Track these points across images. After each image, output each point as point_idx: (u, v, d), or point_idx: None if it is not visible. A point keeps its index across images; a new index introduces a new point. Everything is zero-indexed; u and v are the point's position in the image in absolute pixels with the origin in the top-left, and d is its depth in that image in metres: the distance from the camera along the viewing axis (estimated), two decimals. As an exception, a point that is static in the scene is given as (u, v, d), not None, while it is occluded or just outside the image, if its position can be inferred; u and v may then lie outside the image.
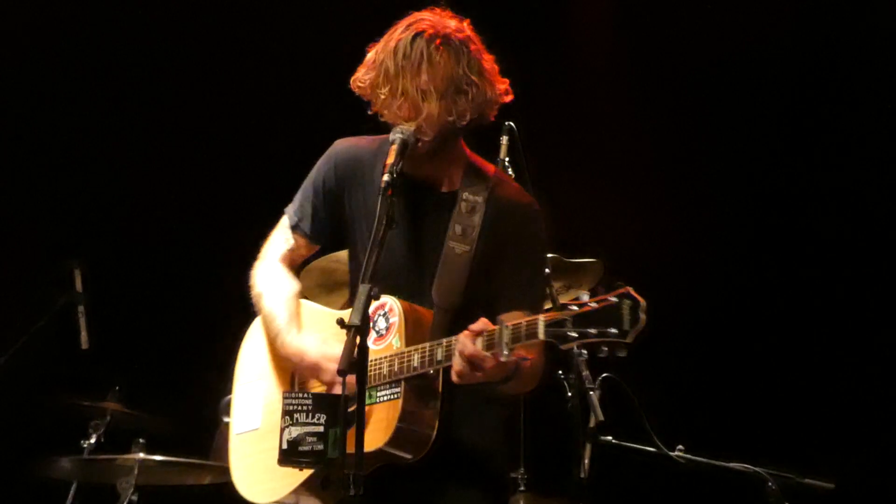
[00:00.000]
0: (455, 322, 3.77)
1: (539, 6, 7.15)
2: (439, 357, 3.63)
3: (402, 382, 3.68)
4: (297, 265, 4.08)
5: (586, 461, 4.97)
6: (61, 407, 5.92)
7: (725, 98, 6.92)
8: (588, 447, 5.00)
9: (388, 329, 3.75)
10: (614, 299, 3.39)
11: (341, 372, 3.35)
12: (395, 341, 3.73)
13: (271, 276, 4.02)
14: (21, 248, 6.94)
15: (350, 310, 3.84)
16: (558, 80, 7.04)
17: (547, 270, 4.93)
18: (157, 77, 7.07)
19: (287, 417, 3.51)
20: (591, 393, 4.91)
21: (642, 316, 3.37)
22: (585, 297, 3.44)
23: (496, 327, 3.53)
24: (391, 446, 3.65)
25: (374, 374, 3.68)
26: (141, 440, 5.63)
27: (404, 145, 3.70)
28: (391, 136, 3.73)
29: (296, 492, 3.80)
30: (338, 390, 3.64)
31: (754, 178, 6.94)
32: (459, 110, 3.80)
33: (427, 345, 3.67)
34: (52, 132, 7.04)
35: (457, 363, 3.56)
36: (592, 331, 3.40)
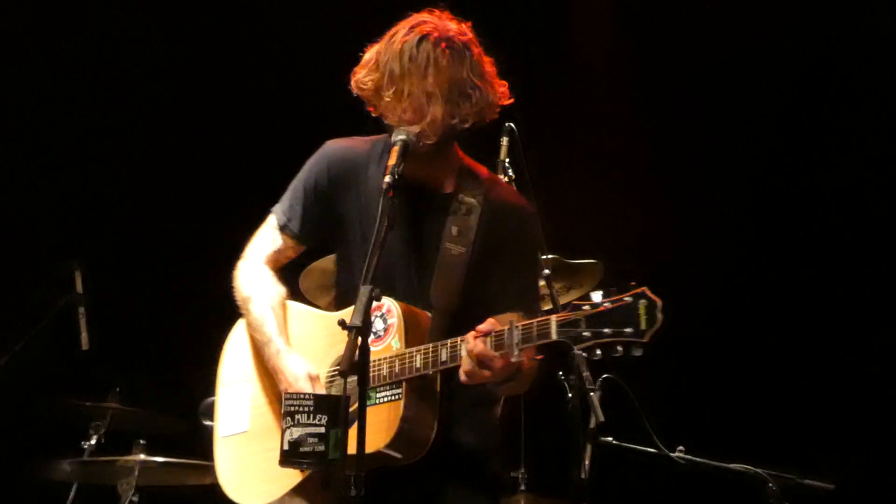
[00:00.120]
0: (452, 324, 3.78)
1: (539, 6, 7.15)
2: (444, 358, 3.64)
3: (404, 383, 3.68)
4: (282, 266, 4.06)
5: (587, 462, 4.96)
6: (62, 408, 5.92)
7: (725, 98, 6.93)
8: (588, 448, 5.00)
9: (386, 330, 3.75)
10: (629, 299, 3.40)
11: (343, 373, 3.35)
12: (394, 342, 3.73)
13: (258, 279, 3.99)
14: (21, 248, 6.94)
15: (338, 311, 3.88)
16: (558, 80, 7.04)
17: (547, 271, 4.94)
18: (157, 78, 7.07)
19: (288, 418, 3.51)
20: (592, 394, 4.90)
21: (660, 316, 3.38)
22: (597, 298, 3.45)
23: (505, 328, 3.54)
24: (392, 447, 3.65)
25: (374, 376, 3.68)
26: (141, 441, 5.63)
27: (406, 147, 3.70)
28: (393, 138, 3.73)
29: (289, 495, 3.80)
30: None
31: (754, 179, 6.94)
32: (463, 113, 3.82)
33: (430, 345, 3.67)
34: (52, 133, 7.04)
35: (466, 363, 3.58)
36: (607, 330, 3.41)
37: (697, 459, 5.06)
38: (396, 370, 3.69)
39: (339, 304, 3.99)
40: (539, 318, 3.53)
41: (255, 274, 4.00)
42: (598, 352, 3.44)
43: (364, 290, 3.40)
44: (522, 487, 5.34)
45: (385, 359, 3.71)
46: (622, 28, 7.16)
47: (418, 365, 3.67)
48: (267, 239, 4.04)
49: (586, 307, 3.45)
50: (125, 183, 7.10)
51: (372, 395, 3.68)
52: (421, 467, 3.72)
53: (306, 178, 4.01)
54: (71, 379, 6.23)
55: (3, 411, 6.45)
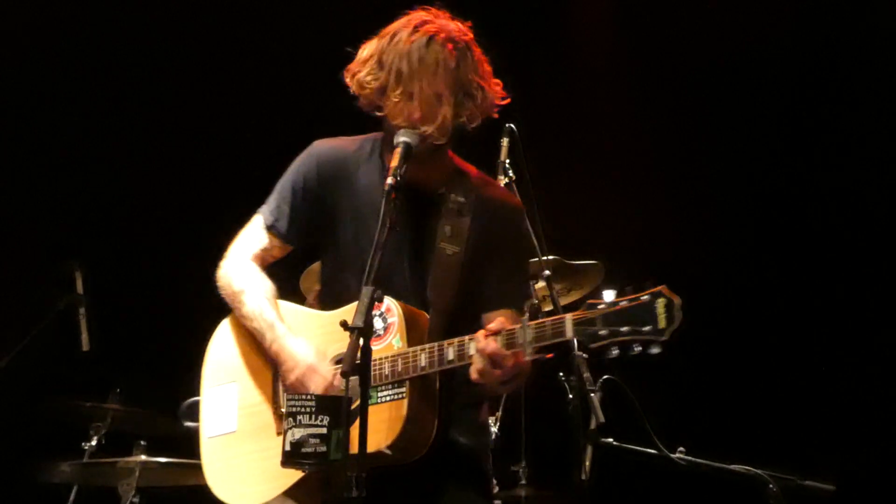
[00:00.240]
0: (450, 323, 3.80)
1: (539, 6, 7.16)
2: (451, 357, 3.65)
3: (407, 382, 3.68)
4: (268, 266, 4.04)
5: (587, 463, 4.96)
6: (62, 409, 5.90)
7: (725, 98, 6.93)
8: (589, 449, 5.00)
9: (386, 329, 3.75)
10: (647, 297, 3.42)
11: (345, 374, 3.34)
12: (395, 341, 3.73)
13: (248, 273, 3.98)
14: (22, 249, 6.94)
15: (333, 311, 3.87)
16: (558, 80, 7.04)
17: (548, 272, 4.95)
18: (157, 79, 7.07)
19: (290, 419, 3.49)
20: (592, 395, 4.92)
21: (679, 314, 3.39)
22: (610, 297, 3.46)
23: (517, 326, 3.55)
24: (394, 446, 3.66)
25: (375, 374, 3.67)
26: (142, 442, 5.62)
27: (409, 149, 3.70)
28: (395, 140, 3.72)
29: (283, 496, 3.79)
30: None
31: (755, 179, 6.95)
32: (469, 113, 3.84)
33: (435, 344, 3.68)
34: (52, 134, 7.04)
35: (478, 362, 3.58)
36: (625, 329, 3.42)
37: (698, 460, 5.06)
38: (399, 369, 3.69)
39: (324, 303, 3.98)
40: (553, 317, 3.53)
41: (244, 269, 3.99)
42: (615, 351, 3.45)
43: (366, 291, 3.39)
44: (523, 481, 5.34)
45: (387, 358, 3.71)
46: (622, 28, 7.17)
47: (423, 364, 3.67)
48: (253, 238, 4.03)
49: (602, 306, 3.46)
50: (125, 184, 7.10)
51: (373, 394, 3.67)
52: (420, 467, 3.72)
53: (294, 177, 4.00)
54: (71, 380, 6.23)
55: (4, 412, 6.44)
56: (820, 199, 6.83)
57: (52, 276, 6.35)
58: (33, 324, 6.09)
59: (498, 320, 3.62)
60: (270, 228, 4.01)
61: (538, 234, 4.90)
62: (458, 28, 3.89)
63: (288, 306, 4.00)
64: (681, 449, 5.05)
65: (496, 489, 5.39)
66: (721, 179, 6.89)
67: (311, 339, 3.87)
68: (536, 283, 5.27)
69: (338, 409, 3.48)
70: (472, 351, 3.62)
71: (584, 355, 4.95)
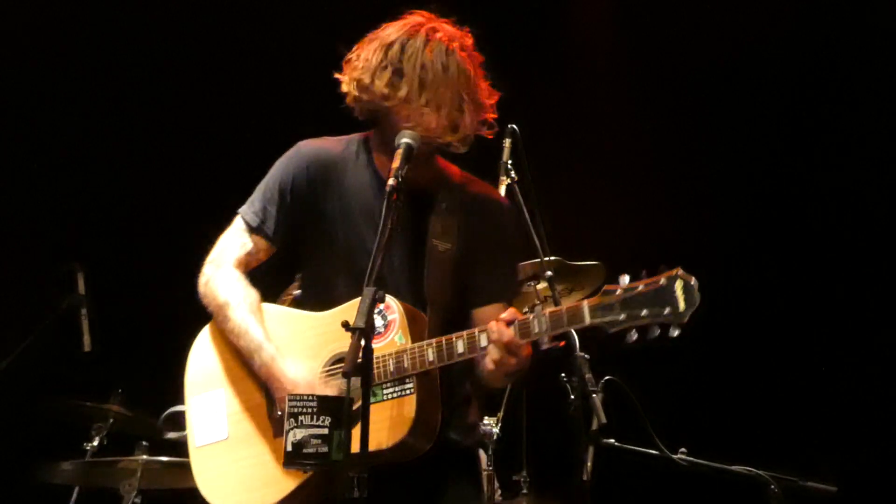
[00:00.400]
0: (446, 319, 3.82)
1: (539, 6, 7.16)
2: (461, 349, 3.66)
3: (414, 378, 3.68)
4: (251, 270, 4.00)
5: (589, 464, 4.96)
6: (63, 410, 5.89)
7: (726, 98, 6.93)
8: (590, 450, 5.00)
9: (387, 326, 3.75)
10: (664, 280, 3.45)
11: (346, 374, 3.35)
12: (398, 338, 3.73)
13: (232, 284, 3.93)
14: (23, 250, 6.93)
15: (325, 311, 3.86)
16: (559, 81, 7.04)
17: (549, 273, 4.95)
18: (159, 81, 7.07)
19: (292, 419, 3.49)
20: (594, 396, 4.91)
21: (697, 295, 3.43)
22: (625, 282, 3.48)
23: (529, 315, 3.58)
24: (405, 444, 3.66)
25: (379, 372, 3.68)
26: (144, 443, 5.61)
27: (410, 151, 3.70)
28: (397, 141, 3.72)
29: (282, 501, 3.78)
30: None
31: (755, 179, 6.95)
32: (481, 118, 3.89)
33: (443, 338, 3.68)
34: (53, 134, 7.03)
35: (494, 352, 3.60)
36: (644, 312, 3.45)
37: (699, 461, 5.07)
38: (406, 365, 3.69)
39: (309, 304, 3.96)
40: (569, 305, 3.56)
41: (228, 278, 3.94)
42: (634, 335, 3.47)
43: (368, 292, 3.40)
44: (524, 490, 5.34)
45: (390, 354, 3.71)
46: (622, 28, 7.17)
47: (431, 358, 3.67)
48: (235, 242, 3.99)
49: (619, 291, 3.48)
50: (127, 185, 7.09)
51: (378, 391, 3.68)
52: (419, 465, 3.73)
53: (282, 178, 3.97)
54: (73, 381, 6.21)
55: (5, 413, 6.44)
56: (821, 200, 6.83)
57: (53, 276, 6.33)
58: (35, 324, 6.07)
59: (510, 309, 3.65)
60: (257, 231, 3.97)
61: (540, 235, 4.90)
62: (461, 33, 3.93)
63: (275, 310, 3.98)
64: (682, 450, 5.06)
65: (498, 491, 5.40)
66: (722, 179, 6.89)
67: (302, 341, 3.86)
68: (538, 283, 5.28)
69: (339, 410, 3.48)
70: (483, 342, 3.63)
71: (586, 356, 4.96)
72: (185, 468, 5.47)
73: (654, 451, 5.05)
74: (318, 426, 3.47)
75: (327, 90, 4.01)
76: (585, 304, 3.53)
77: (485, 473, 5.31)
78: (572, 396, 4.99)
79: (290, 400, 3.53)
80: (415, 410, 3.66)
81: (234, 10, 7.04)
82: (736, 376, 6.72)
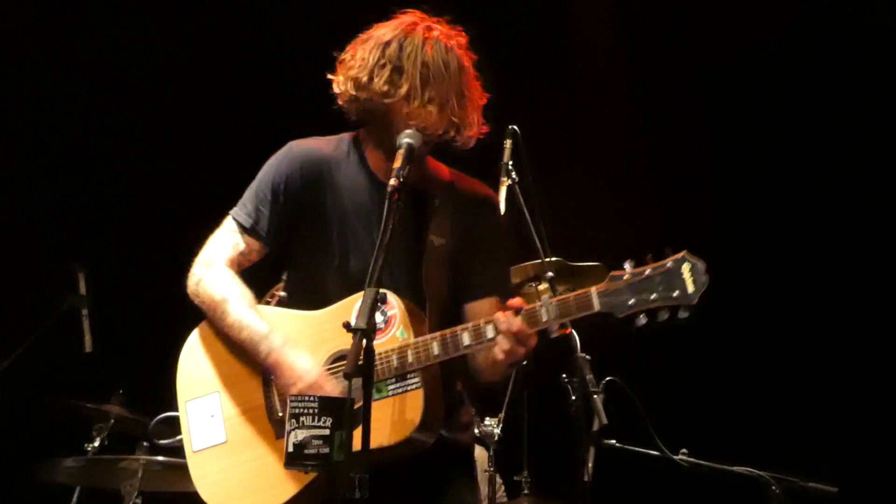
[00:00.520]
0: (444, 313, 3.83)
1: (539, 6, 7.16)
2: (467, 342, 3.66)
3: (420, 372, 3.68)
4: (242, 270, 3.98)
5: (590, 464, 4.97)
6: (64, 410, 5.89)
7: (726, 98, 6.94)
8: (592, 450, 5.00)
9: (387, 322, 3.74)
10: (671, 263, 3.49)
11: (347, 375, 3.34)
12: (399, 333, 3.72)
13: (227, 282, 3.91)
14: (25, 250, 6.93)
15: (320, 311, 3.85)
16: (559, 81, 7.05)
17: (551, 274, 4.95)
18: (161, 81, 7.07)
19: (293, 420, 3.49)
20: (595, 396, 4.92)
21: (705, 277, 3.45)
22: (629, 267, 3.49)
23: (536, 304, 3.59)
24: (413, 440, 3.66)
25: (383, 368, 3.67)
26: (145, 443, 5.61)
27: (411, 150, 3.70)
28: (399, 141, 3.73)
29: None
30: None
31: (756, 179, 6.95)
32: (479, 116, 3.91)
33: (447, 331, 3.68)
34: (55, 135, 7.04)
35: (505, 342, 3.61)
36: (653, 296, 3.48)
37: (700, 462, 5.08)
38: (410, 360, 3.68)
39: (300, 304, 3.94)
40: (576, 292, 3.57)
41: (222, 276, 3.92)
42: (643, 319, 3.48)
43: (369, 292, 3.40)
44: (526, 491, 5.34)
45: (393, 350, 3.70)
46: (622, 28, 7.17)
47: (437, 352, 3.67)
48: (227, 243, 3.97)
49: (627, 276, 3.50)
50: (129, 185, 7.10)
51: (382, 387, 3.67)
52: (418, 463, 3.73)
53: (274, 179, 3.95)
54: (74, 381, 6.21)
55: (6, 413, 6.43)
56: (823, 199, 6.83)
57: (54, 277, 6.32)
58: (36, 325, 6.05)
59: (517, 298, 3.66)
60: (250, 231, 3.95)
61: (541, 236, 4.90)
62: (455, 31, 3.93)
63: (267, 310, 3.97)
64: (683, 450, 5.07)
65: (501, 491, 5.40)
66: (722, 180, 6.90)
67: (299, 340, 3.84)
68: (539, 284, 5.28)
69: (341, 411, 3.48)
70: (490, 333, 3.64)
71: (587, 357, 4.97)
72: (186, 469, 5.50)
73: (655, 452, 5.06)
74: (320, 427, 3.47)
75: (319, 91, 4.00)
76: (594, 290, 3.55)
77: (486, 474, 5.32)
78: (573, 397, 5.01)
79: (291, 401, 3.53)
80: (423, 405, 3.66)
81: (233, 10, 7.05)
82: (737, 377, 6.73)
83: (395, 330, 3.73)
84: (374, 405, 3.56)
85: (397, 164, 3.66)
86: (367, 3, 4.02)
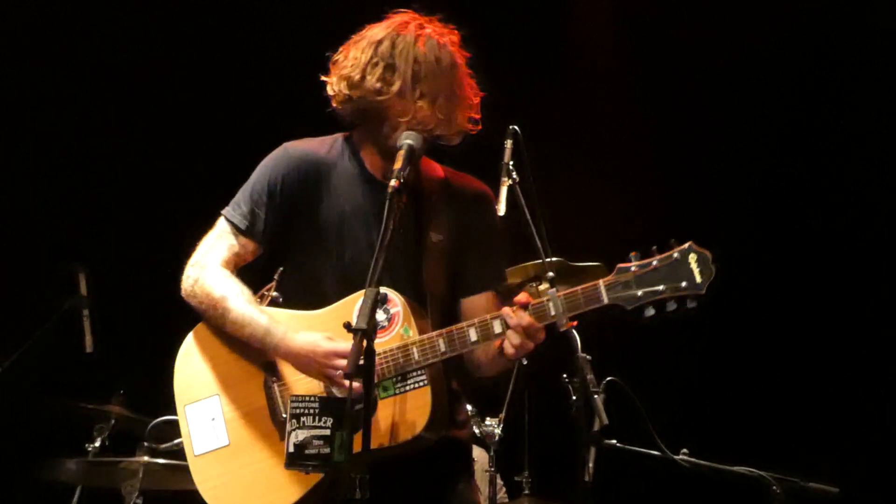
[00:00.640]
0: (444, 310, 3.84)
1: (539, 6, 7.16)
2: (474, 338, 3.66)
3: (426, 369, 3.68)
4: (237, 270, 3.96)
5: (591, 465, 4.97)
6: (65, 410, 5.90)
7: (727, 98, 6.94)
8: (592, 451, 5.00)
9: (391, 320, 3.73)
10: (677, 255, 3.53)
11: (348, 376, 3.34)
12: (403, 331, 3.71)
13: (227, 280, 3.89)
14: (25, 251, 6.93)
15: (317, 311, 3.84)
16: (559, 81, 7.05)
17: (552, 274, 4.94)
18: (162, 82, 7.07)
19: (294, 420, 3.50)
20: (596, 396, 4.92)
21: (712, 266, 3.49)
22: (635, 258, 3.50)
23: (543, 299, 3.60)
24: (420, 437, 3.65)
25: (388, 366, 3.67)
26: (145, 444, 5.61)
27: (412, 151, 3.71)
28: (399, 142, 3.73)
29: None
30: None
31: (757, 179, 6.95)
32: (471, 112, 3.91)
33: (453, 328, 3.68)
34: (56, 135, 7.04)
35: (515, 337, 3.62)
36: (661, 287, 3.51)
37: (701, 462, 5.08)
38: (416, 357, 3.67)
39: (295, 304, 3.93)
40: (584, 286, 3.58)
41: (219, 276, 3.91)
42: (651, 311, 3.49)
43: (370, 292, 3.39)
44: (526, 491, 5.34)
45: (398, 348, 3.69)
46: (622, 28, 7.17)
47: (443, 349, 3.67)
48: (221, 244, 3.96)
49: (633, 268, 3.52)
50: (130, 186, 7.10)
51: (389, 385, 3.66)
52: (418, 462, 3.73)
53: (270, 180, 3.94)
54: (75, 382, 6.21)
55: (7, 414, 6.43)
56: (823, 199, 6.83)
57: (55, 277, 6.33)
58: (37, 325, 6.06)
59: (523, 293, 3.66)
60: (245, 232, 3.94)
61: (541, 236, 4.90)
62: (447, 29, 3.94)
63: (268, 310, 3.93)
64: (684, 450, 5.07)
65: (502, 491, 5.40)
66: (723, 180, 6.90)
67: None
68: (540, 284, 5.28)
69: (341, 411, 3.48)
70: (498, 329, 3.64)
71: (588, 357, 4.96)
72: (187, 470, 5.50)
73: (655, 452, 5.05)
74: (320, 427, 3.48)
75: (315, 92, 4.00)
76: (602, 283, 3.57)
77: (487, 474, 5.32)
78: (574, 397, 5.01)
79: (292, 401, 3.54)
80: (430, 402, 3.66)
81: (229, 12, 7.05)
82: (738, 377, 6.73)
83: (398, 327, 3.72)
84: (381, 403, 3.58)
85: (398, 165, 3.66)
86: (363, 4, 4.02)
